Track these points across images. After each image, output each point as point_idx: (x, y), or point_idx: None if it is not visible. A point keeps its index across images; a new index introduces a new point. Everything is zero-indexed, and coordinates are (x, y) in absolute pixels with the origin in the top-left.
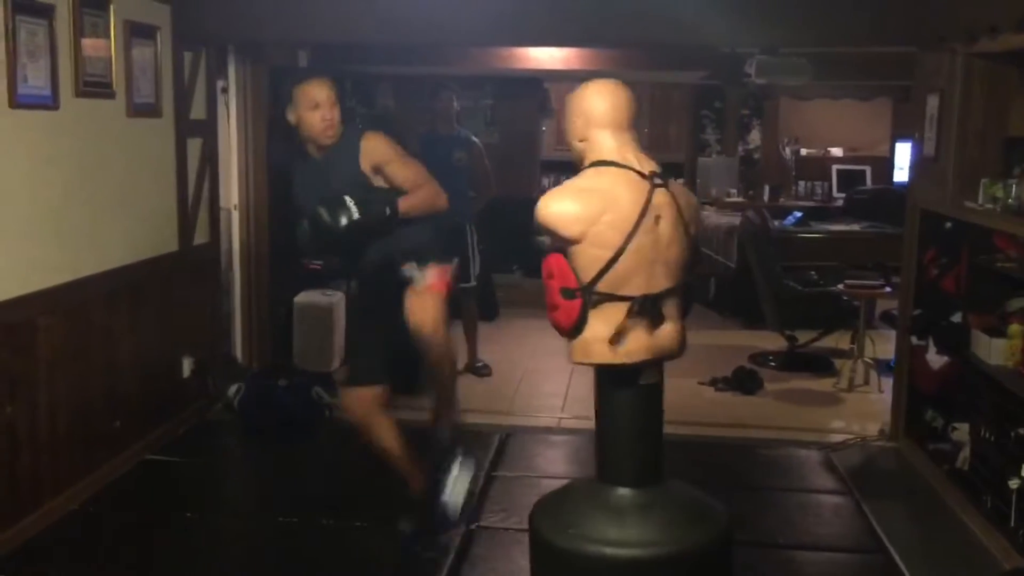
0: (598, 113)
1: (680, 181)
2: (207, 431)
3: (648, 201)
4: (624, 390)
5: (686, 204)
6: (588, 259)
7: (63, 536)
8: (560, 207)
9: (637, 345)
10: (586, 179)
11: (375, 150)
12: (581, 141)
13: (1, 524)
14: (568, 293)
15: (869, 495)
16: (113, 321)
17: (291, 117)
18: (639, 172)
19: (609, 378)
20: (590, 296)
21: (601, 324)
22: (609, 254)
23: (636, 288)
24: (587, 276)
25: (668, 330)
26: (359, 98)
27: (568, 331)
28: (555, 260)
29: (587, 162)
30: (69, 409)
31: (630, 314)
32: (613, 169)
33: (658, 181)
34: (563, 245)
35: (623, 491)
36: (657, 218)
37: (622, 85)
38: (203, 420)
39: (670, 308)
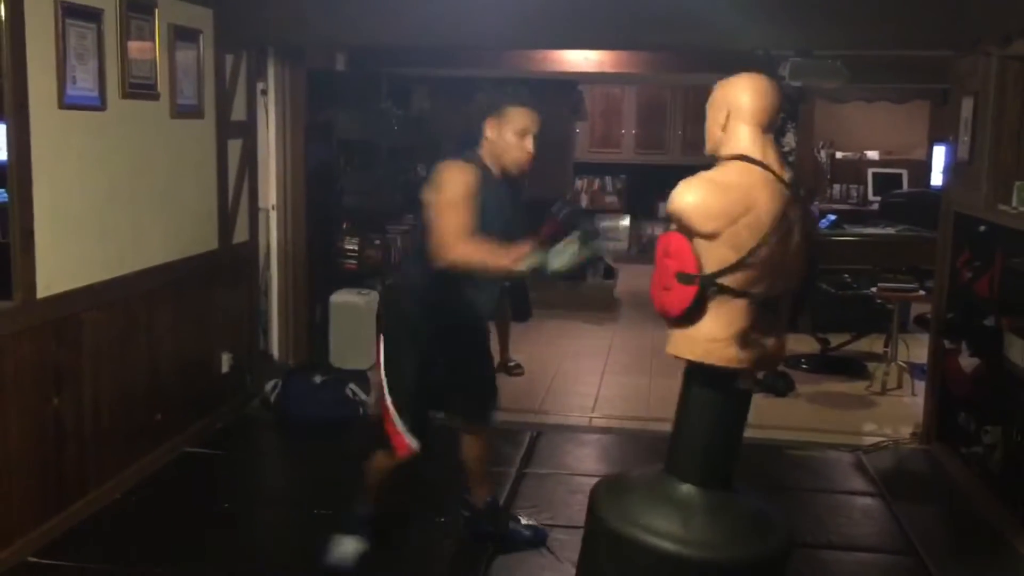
0: (745, 106)
1: None
2: (244, 425)
3: (786, 209)
4: (720, 392)
5: (810, 217)
6: (715, 256)
7: (106, 524)
8: (698, 199)
9: (749, 351)
10: (727, 173)
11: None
12: (721, 131)
13: (48, 512)
14: (687, 279)
15: (900, 497)
16: (155, 317)
17: (491, 132)
18: (779, 177)
19: (706, 378)
20: (709, 287)
21: (717, 324)
22: (738, 256)
23: (757, 290)
24: (713, 267)
25: (773, 342)
26: (395, 100)
27: (675, 317)
28: (676, 240)
29: (724, 154)
30: (112, 402)
31: (752, 318)
32: (755, 168)
33: (797, 192)
34: (691, 234)
35: (691, 489)
36: (791, 228)
37: (772, 83)
38: (241, 415)
39: (780, 319)
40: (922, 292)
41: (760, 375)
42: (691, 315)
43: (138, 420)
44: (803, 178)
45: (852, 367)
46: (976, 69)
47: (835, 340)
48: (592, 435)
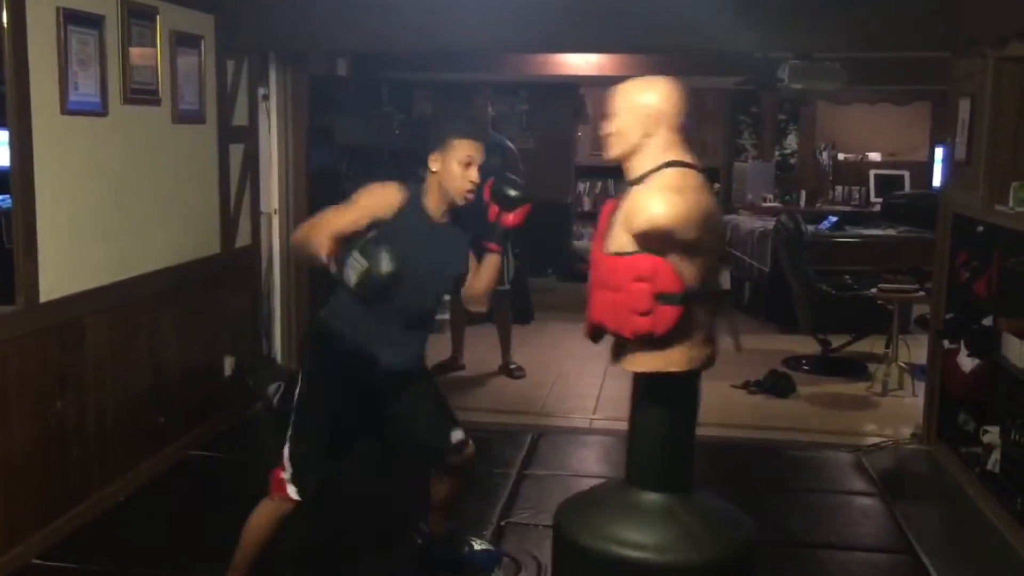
0: (669, 111)
1: (716, 186)
2: (247, 429)
3: (717, 205)
4: (679, 396)
5: None
6: (698, 265)
7: (109, 527)
8: (678, 209)
9: (712, 350)
10: (680, 179)
11: None
12: (646, 137)
13: (51, 514)
14: (670, 298)
15: (899, 497)
16: (158, 321)
17: (435, 164)
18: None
19: (665, 384)
20: (689, 301)
21: (694, 330)
22: (714, 260)
23: (712, 292)
24: (693, 282)
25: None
26: (396, 104)
27: (659, 338)
28: (650, 261)
29: (647, 160)
30: (115, 405)
31: (716, 319)
32: (693, 172)
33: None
34: (667, 250)
35: (652, 495)
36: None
37: (680, 84)
38: (243, 418)
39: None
40: (922, 293)
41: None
42: (674, 334)
43: (141, 423)
44: (804, 179)
45: (853, 368)
46: (973, 71)
47: (836, 341)
48: (593, 437)
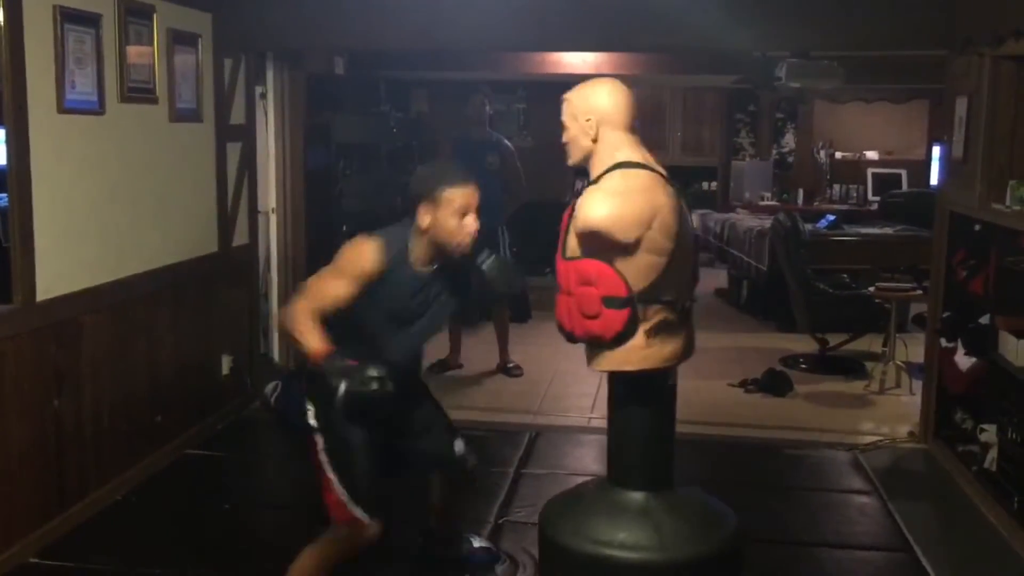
0: (613, 112)
1: (714, 184)
2: (244, 427)
3: (680, 204)
4: (649, 395)
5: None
6: (642, 266)
7: (107, 526)
8: (614, 211)
9: (673, 349)
10: (623, 181)
11: None
12: (592, 141)
13: (49, 513)
14: (615, 302)
15: (896, 495)
16: (155, 319)
17: (426, 218)
18: (664, 176)
19: (634, 383)
20: (637, 304)
21: (648, 329)
22: (664, 260)
23: (674, 292)
24: (640, 283)
25: (690, 329)
26: (393, 103)
27: (609, 341)
28: (595, 266)
29: (601, 163)
30: (112, 404)
31: (675, 319)
32: (643, 172)
33: (677, 186)
34: (608, 252)
35: (634, 495)
36: (686, 220)
37: (624, 84)
38: (240, 417)
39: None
40: (919, 291)
41: (754, 380)
42: (624, 336)
43: (138, 422)
44: (802, 178)
45: (850, 367)
46: (970, 69)
47: (833, 340)
48: (591, 435)
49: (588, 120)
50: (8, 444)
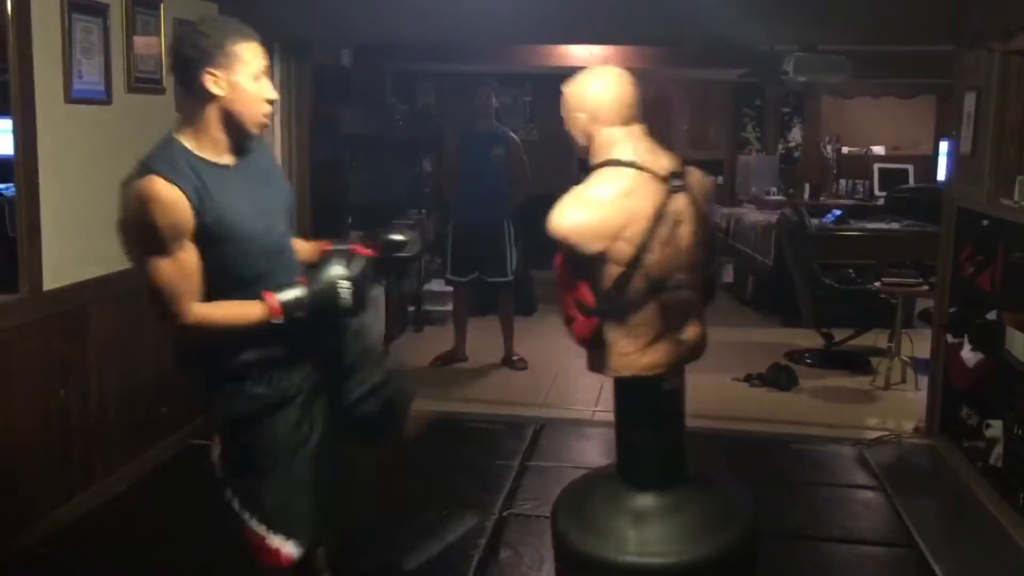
0: (604, 106)
1: (719, 179)
2: None
3: (664, 209)
4: (647, 399)
5: (703, 196)
6: (607, 274)
7: (112, 515)
8: (578, 220)
9: (662, 355)
10: (602, 185)
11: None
12: (586, 139)
13: (54, 503)
14: (584, 309)
15: (901, 491)
16: None
17: (217, 86)
18: (656, 173)
19: (632, 387)
20: (607, 312)
21: (624, 339)
22: (632, 271)
23: (655, 299)
24: (613, 291)
25: (692, 333)
26: (400, 95)
27: (585, 343)
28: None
29: (594, 158)
30: (118, 394)
31: (662, 320)
32: (629, 172)
33: (677, 183)
34: (577, 258)
35: (645, 495)
36: (677, 223)
37: (625, 73)
38: None
39: (692, 310)
40: (926, 287)
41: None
42: (598, 339)
43: (144, 413)
44: (808, 172)
45: (856, 362)
46: (979, 64)
47: (839, 335)
48: (595, 428)
49: (581, 115)
50: (14, 433)
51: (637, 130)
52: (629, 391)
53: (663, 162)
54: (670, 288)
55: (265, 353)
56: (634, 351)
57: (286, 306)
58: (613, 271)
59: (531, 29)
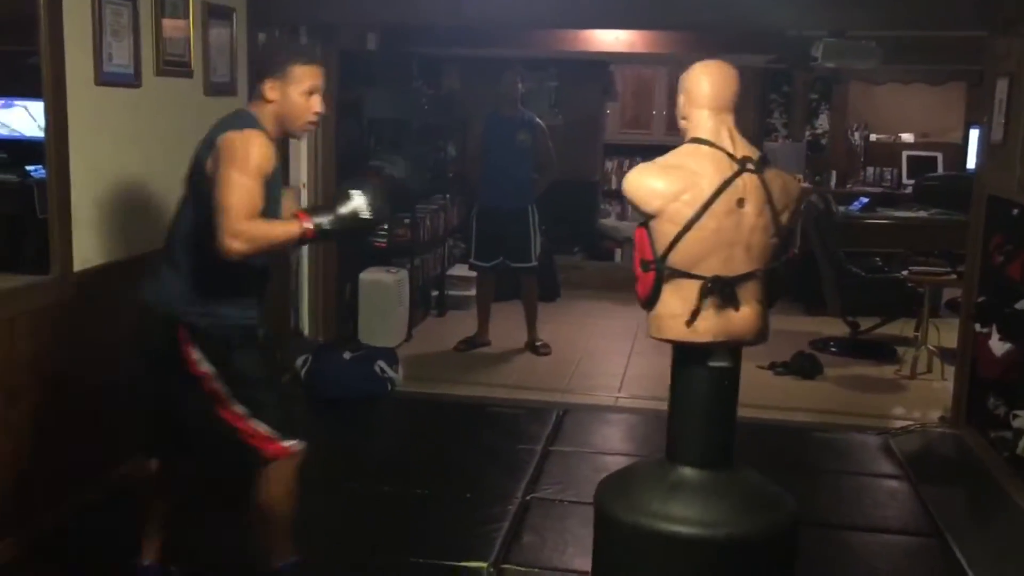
0: (699, 93)
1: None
2: None
3: (728, 183)
4: (695, 369)
5: (781, 190)
6: (662, 234)
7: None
8: (643, 181)
9: (707, 326)
10: (675, 156)
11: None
12: (683, 119)
13: (86, 482)
14: (644, 265)
15: (926, 480)
16: None
17: (273, 93)
18: (730, 154)
19: (682, 356)
20: (663, 270)
21: (675, 300)
22: (679, 229)
23: (710, 268)
24: (660, 250)
25: (745, 314)
26: (425, 79)
27: (643, 302)
28: (638, 233)
29: (686, 139)
30: None
31: (702, 293)
32: (705, 148)
33: (749, 166)
34: (645, 219)
35: (688, 470)
36: (741, 200)
37: (728, 66)
38: None
39: (750, 293)
40: (954, 276)
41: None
42: (654, 299)
43: None
44: (836, 160)
45: (882, 351)
46: (1011, 50)
47: (865, 323)
48: (618, 415)
49: (682, 97)
50: (44, 415)
51: (726, 118)
52: (682, 361)
53: (741, 149)
54: (723, 269)
55: (247, 297)
56: (679, 315)
57: (318, 224)
58: (669, 230)
59: (557, 14)
